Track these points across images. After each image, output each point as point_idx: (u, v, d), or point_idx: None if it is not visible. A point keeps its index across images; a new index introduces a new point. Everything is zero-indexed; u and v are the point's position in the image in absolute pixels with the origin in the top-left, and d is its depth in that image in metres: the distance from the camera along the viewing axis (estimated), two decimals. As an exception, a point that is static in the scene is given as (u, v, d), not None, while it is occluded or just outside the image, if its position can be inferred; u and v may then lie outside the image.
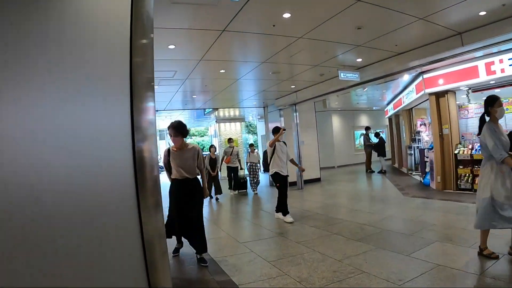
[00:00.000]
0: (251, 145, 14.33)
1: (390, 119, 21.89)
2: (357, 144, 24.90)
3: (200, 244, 5.82)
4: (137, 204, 1.32)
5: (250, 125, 42.61)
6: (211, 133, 24.99)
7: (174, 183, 5.79)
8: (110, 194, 1.26)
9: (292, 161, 9.27)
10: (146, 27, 1.41)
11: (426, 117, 16.13)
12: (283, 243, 6.70)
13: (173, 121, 5.70)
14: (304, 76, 10.63)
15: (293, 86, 12.41)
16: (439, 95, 10.97)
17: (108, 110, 1.28)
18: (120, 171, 1.30)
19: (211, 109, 16.99)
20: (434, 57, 8.35)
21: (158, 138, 49.53)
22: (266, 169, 8.77)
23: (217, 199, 12.86)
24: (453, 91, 10.88)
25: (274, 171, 8.69)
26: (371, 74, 9.84)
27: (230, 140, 14.24)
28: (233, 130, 22.09)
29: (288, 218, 8.43)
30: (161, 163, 5.62)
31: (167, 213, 6.00)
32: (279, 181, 8.71)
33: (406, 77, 11.33)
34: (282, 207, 8.69)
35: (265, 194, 13.66)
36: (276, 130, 8.81)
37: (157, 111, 15.76)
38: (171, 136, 5.58)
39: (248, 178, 14.38)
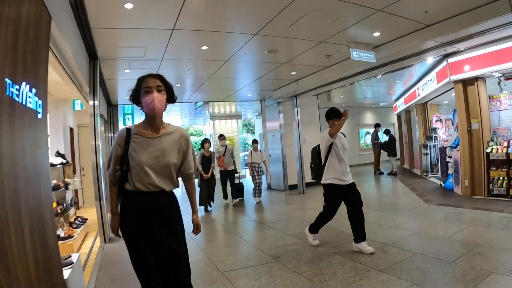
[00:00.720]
0: (254, 142, 11.98)
1: (399, 115, 20.30)
2: (362, 143, 23.34)
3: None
4: None
5: (249, 124, 41.36)
6: (206, 132, 23.46)
7: (134, 201, 3.02)
8: None
9: None
10: None
11: (440, 113, 14.58)
12: (280, 273, 4.87)
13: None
14: (306, 58, 8.79)
15: (294, 73, 10.58)
16: (467, 83, 9.21)
17: None
18: None
19: (201, 103, 15.16)
20: (472, 28, 6.60)
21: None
22: (316, 177, 6.12)
23: (206, 209, 10.44)
24: (483, 78, 9.12)
25: (329, 181, 5.74)
26: (389, 55, 8.04)
27: (221, 137, 11.63)
28: (229, 128, 20.68)
29: (367, 247, 5.58)
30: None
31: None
32: (334, 197, 5.84)
33: (429, 60, 9.50)
34: (316, 226, 6.14)
35: (266, 201, 11.66)
36: (335, 114, 5.95)
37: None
38: (146, 92, 3.03)
39: (253, 182, 11.78)
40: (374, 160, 17.15)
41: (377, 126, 17.08)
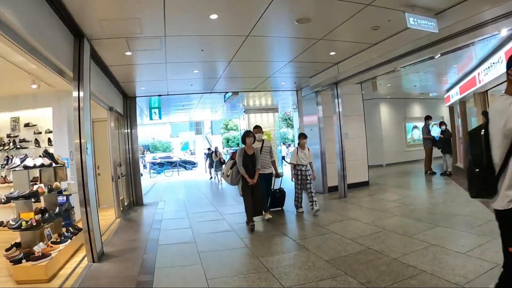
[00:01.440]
0: (302, 136, 9.31)
1: (451, 107, 18.21)
2: (409, 138, 21.27)
3: None
4: None
5: (288, 118, 40.03)
6: (241, 127, 22.15)
7: None
8: None
9: None
10: None
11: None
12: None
13: None
14: (348, 31, 7.00)
15: (333, 53, 8.70)
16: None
17: None
18: None
19: (230, 93, 13.61)
20: None
21: (194, 132, 47.21)
22: (486, 192, 2.77)
23: (250, 225, 7.80)
24: None
25: None
26: (455, 24, 6.07)
27: (256, 128, 8.99)
28: (265, 122, 19.27)
29: None
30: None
31: None
32: None
33: (503, 33, 7.39)
34: None
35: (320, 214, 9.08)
36: None
37: (159, 96, 12.60)
38: None
39: (295, 189, 9.20)
40: (425, 158, 15.02)
41: (427, 118, 14.90)
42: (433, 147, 14.58)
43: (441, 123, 14.48)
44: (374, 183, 12.96)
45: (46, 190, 6.27)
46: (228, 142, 47.68)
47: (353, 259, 5.24)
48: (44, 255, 5.24)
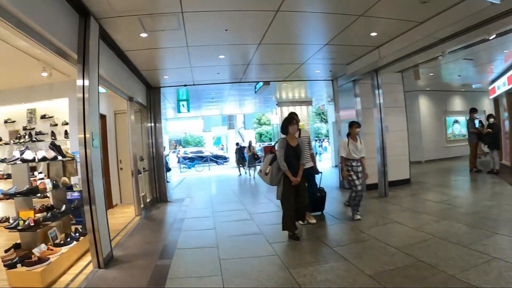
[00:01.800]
0: (354, 125, 7.63)
1: (496, 100, 16.72)
2: (450, 133, 19.98)
3: None
4: None
5: (322, 112, 39.18)
6: (273, 121, 21.38)
7: None
8: None
9: None
10: None
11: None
12: None
13: None
14: (392, 4, 5.99)
15: (374, 34, 7.71)
16: None
17: None
18: None
19: (261, 84, 12.83)
20: None
21: (227, 127, 47.05)
22: None
23: (292, 235, 6.43)
24: None
25: None
26: None
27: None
28: (298, 115, 18.36)
29: None
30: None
31: None
32: None
33: None
34: None
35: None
36: None
37: (185, 86, 11.91)
38: None
39: (351, 187, 7.60)
40: (470, 154, 13.78)
41: (472, 111, 13.54)
42: (478, 142, 13.40)
43: (489, 116, 13.24)
44: (416, 181, 11.92)
45: (50, 185, 5.67)
46: (260, 137, 47.16)
47: (402, 275, 4.34)
48: (41, 260, 4.61)
